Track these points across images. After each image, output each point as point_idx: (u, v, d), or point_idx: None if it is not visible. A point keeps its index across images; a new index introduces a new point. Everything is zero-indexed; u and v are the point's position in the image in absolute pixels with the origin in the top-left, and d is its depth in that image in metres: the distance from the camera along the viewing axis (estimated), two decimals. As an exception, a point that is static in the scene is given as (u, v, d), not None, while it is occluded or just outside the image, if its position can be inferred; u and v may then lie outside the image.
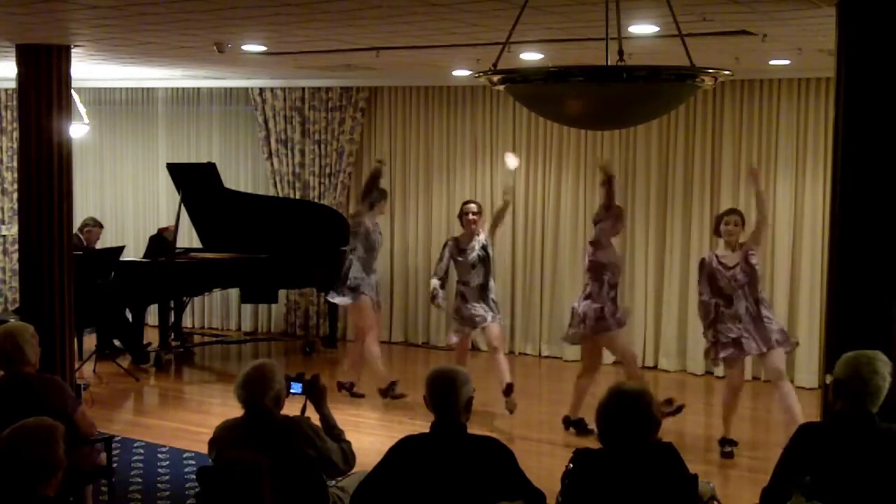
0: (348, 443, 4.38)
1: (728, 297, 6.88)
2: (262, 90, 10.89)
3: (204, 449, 4.30)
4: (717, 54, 7.35)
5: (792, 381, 9.11)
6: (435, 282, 8.05)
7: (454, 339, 8.16)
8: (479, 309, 7.91)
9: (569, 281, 10.10)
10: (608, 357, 10.00)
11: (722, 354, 6.94)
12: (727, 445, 7.10)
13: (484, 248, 7.92)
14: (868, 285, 4.74)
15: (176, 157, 11.25)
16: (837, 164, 4.84)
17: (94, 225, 10.21)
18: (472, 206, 8.02)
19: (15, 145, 10.53)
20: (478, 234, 7.96)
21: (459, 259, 7.97)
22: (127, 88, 11.72)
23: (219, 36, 6.89)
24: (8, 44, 7.32)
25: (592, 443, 3.87)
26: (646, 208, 9.66)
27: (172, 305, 10.21)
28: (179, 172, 10.11)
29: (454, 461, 3.85)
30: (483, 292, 7.94)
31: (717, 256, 6.96)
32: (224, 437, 4.13)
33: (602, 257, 7.36)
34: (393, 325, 10.87)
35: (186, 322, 11.09)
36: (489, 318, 7.91)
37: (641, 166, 9.75)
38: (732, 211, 7.11)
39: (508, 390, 7.90)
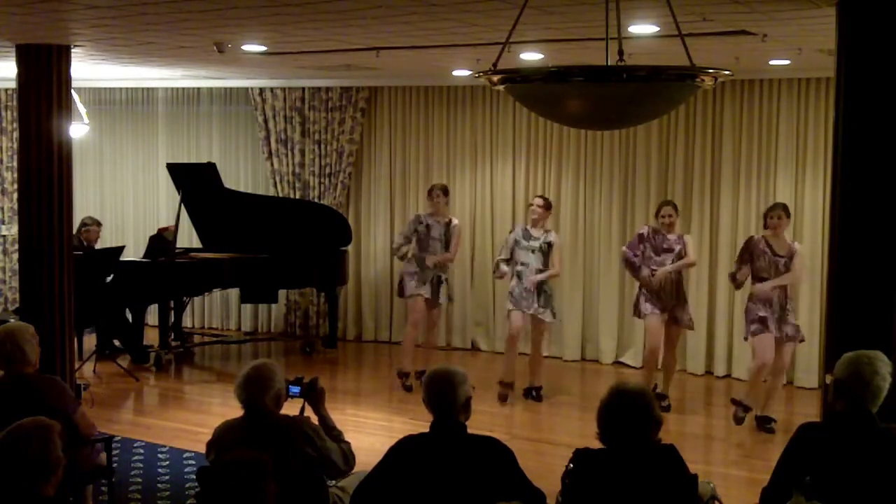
0: (347, 443, 4.38)
1: (764, 279, 7.44)
2: (262, 90, 10.89)
3: (204, 449, 4.30)
4: (717, 54, 7.35)
5: (791, 382, 9.18)
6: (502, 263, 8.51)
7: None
8: (529, 294, 8.27)
9: (568, 281, 10.09)
10: (608, 357, 10.03)
11: (751, 329, 7.47)
12: (763, 422, 7.58)
13: (549, 244, 8.29)
14: (868, 285, 4.74)
15: (176, 157, 11.25)
16: (837, 164, 4.84)
17: (93, 224, 10.22)
18: (538, 201, 8.44)
19: (15, 145, 10.53)
20: (547, 231, 8.33)
21: (522, 244, 8.34)
22: (127, 88, 11.72)
23: (219, 36, 6.89)
24: (8, 44, 7.32)
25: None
26: (646, 208, 9.65)
27: (172, 305, 10.20)
28: (179, 172, 10.11)
29: (454, 461, 3.85)
30: (539, 283, 8.26)
31: (765, 239, 7.48)
32: (223, 438, 4.13)
33: None
34: (393, 325, 10.86)
35: (186, 322, 11.08)
36: (531, 308, 8.28)
37: (641, 166, 9.75)
38: (776, 206, 7.64)
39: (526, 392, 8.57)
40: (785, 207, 7.60)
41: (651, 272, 7.95)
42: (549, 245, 8.29)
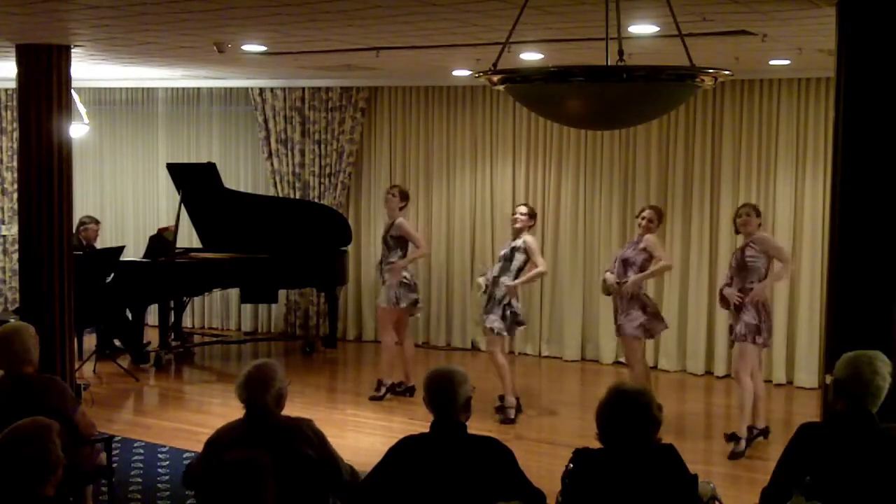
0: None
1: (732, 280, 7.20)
2: (262, 90, 10.89)
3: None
4: (717, 54, 7.35)
5: (791, 382, 9.17)
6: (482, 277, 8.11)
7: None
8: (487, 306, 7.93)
9: (568, 281, 10.10)
10: (608, 357, 10.02)
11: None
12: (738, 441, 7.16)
13: (513, 249, 7.85)
14: (868, 285, 4.73)
15: (176, 157, 11.25)
16: (837, 164, 4.84)
17: (91, 222, 10.23)
18: (520, 208, 8.02)
19: (15, 145, 10.53)
20: (519, 237, 7.90)
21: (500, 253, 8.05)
22: (127, 88, 11.72)
23: (219, 36, 6.88)
24: (8, 44, 7.32)
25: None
26: (646, 208, 9.65)
27: (172, 305, 10.21)
28: (179, 172, 10.11)
29: (454, 461, 3.85)
30: (493, 285, 7.85)
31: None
32: (222, 439, 4.12)
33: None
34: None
35: (186, 322, 11.09)
36: (483, 317, 7.91)
37: (641, 166, 9.75)
38: (744, 205, 7.39)
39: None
40: (752, 206, 7.29)
41: (616, 283, 7.54)
42: (514, 250, 7.80)
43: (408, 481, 3.88)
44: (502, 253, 7.95)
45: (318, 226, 10.09)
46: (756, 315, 6.98)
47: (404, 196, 8.58)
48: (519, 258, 7.81)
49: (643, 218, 7.57)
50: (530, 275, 7.88)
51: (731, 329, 7.19)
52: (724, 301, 7.20)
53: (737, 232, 7.28)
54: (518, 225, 7.91)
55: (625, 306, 7.50)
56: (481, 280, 8.03)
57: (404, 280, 8.45)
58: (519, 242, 7.85)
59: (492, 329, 7.80)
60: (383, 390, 8.54)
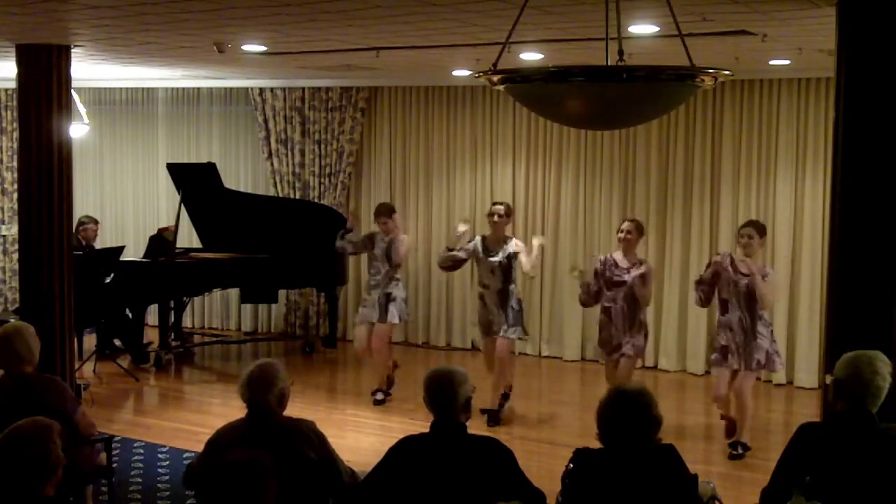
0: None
1: (725, 302, 6.98)
2: (262, 90, 10.89)
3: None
4: (717, 54, 7.35)
5: (791, 382, 9.17)
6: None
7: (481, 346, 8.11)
8: (495, 317, 7.81)
9: (568, 281, 10.07)
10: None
11: (711, 359, 7.22)
12: (737, 448, 7.06)
13: (509, 257, 7.72)
14: (868, 285, 4.74)
15: (176, 157, 11.25)
16: (837, 163, 4.84)
17: (90, 222, 10.23)
18: (498, 208, 7.83)
19: (15, 145, 10.53)
20: (506, 241, 7.77)
21: (481, 258, 7.84)
22: (127, 88, 11.72)
23: (219, 36, 6.89)
24: (8, 44, 7.32)
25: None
26: (646, 208, 9.66)
27: (172, 305, 10.21)
28: (179, 172, 10.11)
29: (454, 461, 3.85)
30: (503, 298, 7.77)
31: (731, 256, 7.04)
32: (221, 439, 4.12)
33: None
34: (393, 325, 10.86)
35: (186, 322, 11.09)
36: (500, 330, 7.79)
37: (641, 166, 9.75)
38: (748, 224, 7.15)
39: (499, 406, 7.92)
40: (756, 225, 7.07)
41: (604, 308, 7.36)
42: (510, 258, 7.70)
43: (408, 481, 3.88)
44: (495, 261, 7.72)
45: (319, 226, 10.08)
46: (771, 339, 6.94)
47: (390, 213, 8.39)
48: (515, 264, 7.75)
49: (622, 230, 7.35)
50: (535, 253, 7.81)
51: (725, 349, 6.95)
52: (708, 288, 7.02)
53: (738, 245, 7.06)
54: (496, 219, 7.76)
55: (637, 329, 7.36)
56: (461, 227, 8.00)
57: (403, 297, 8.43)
58: (511, 248, 7.74)
59: (522, 338, 8.07)
60: (382, 395, 8.47)
